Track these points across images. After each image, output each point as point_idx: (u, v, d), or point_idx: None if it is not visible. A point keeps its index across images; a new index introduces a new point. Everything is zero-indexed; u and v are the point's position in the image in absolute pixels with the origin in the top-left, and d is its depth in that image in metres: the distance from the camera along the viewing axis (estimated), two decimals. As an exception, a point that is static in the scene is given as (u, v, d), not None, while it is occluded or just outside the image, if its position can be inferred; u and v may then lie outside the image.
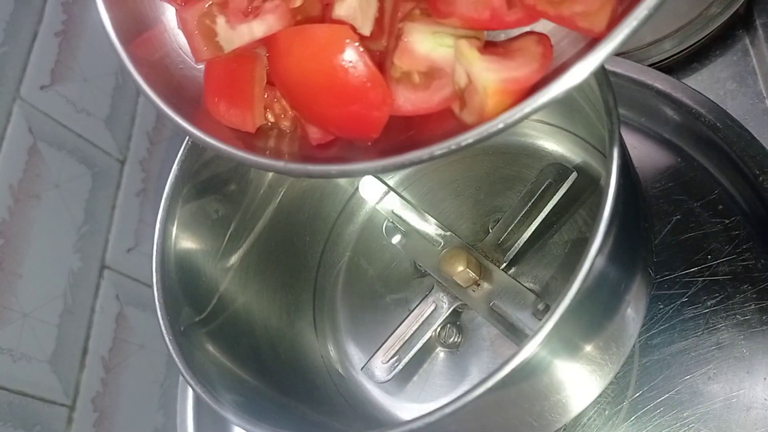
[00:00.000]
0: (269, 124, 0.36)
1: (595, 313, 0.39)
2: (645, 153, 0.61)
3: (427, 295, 0.54)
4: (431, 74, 0.33)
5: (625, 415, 0.52)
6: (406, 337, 0.53)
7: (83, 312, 0.64)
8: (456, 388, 0.55)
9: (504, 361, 0.33)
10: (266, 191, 0.56)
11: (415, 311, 0.54)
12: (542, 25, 0.32)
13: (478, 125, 0.28)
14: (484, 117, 0.29)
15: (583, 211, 0.56)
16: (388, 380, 0.54)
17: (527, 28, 0.32)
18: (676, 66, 0.68)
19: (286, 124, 0.36)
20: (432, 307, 0.54)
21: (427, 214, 0.58)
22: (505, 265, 0.55)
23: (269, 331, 0.56)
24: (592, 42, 0.28)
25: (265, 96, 0.36)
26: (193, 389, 0.41)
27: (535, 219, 0.55)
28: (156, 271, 0.46)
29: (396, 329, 0.54)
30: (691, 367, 0.53)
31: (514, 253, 0.55)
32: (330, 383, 0.58)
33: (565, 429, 0.53)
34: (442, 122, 0.32)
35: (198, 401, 0.60)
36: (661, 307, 0.55)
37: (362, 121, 0.32)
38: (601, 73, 0.37)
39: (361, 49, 0.31)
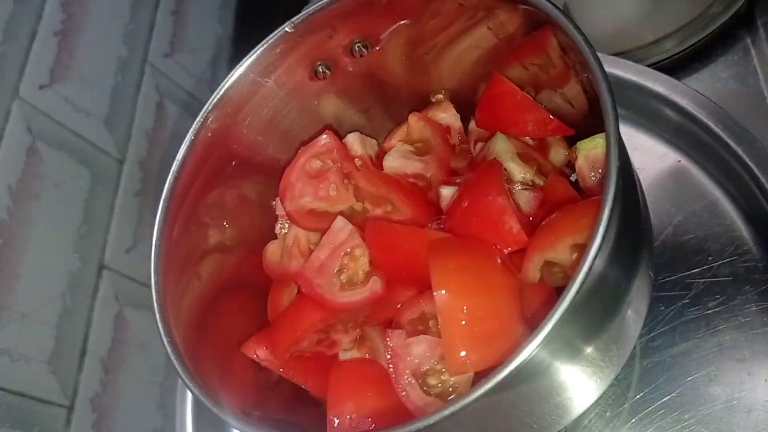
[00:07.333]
0: None
1: (595, 315, 0.39)
2: (645, 154, 0.60)
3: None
4: None
5: (626, 417, 0.52)
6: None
7: (82, 312, 0.64)
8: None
9: (503, 363, 0.33)
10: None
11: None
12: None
13: None
14: None
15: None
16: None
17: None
18: (677, 66, 0.68)
19: None
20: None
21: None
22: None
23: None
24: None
25: None
26: (191, 391, 0.41)
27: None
28: (154, 272, 0.46)
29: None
30: (693, 368, 0.53)
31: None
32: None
33: (565, 431, 0.53)
34: None
35: (197, 402, 0.60)
36: (662, 308, 0.55)
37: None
38: (602, 74, 0.37)
39: None
